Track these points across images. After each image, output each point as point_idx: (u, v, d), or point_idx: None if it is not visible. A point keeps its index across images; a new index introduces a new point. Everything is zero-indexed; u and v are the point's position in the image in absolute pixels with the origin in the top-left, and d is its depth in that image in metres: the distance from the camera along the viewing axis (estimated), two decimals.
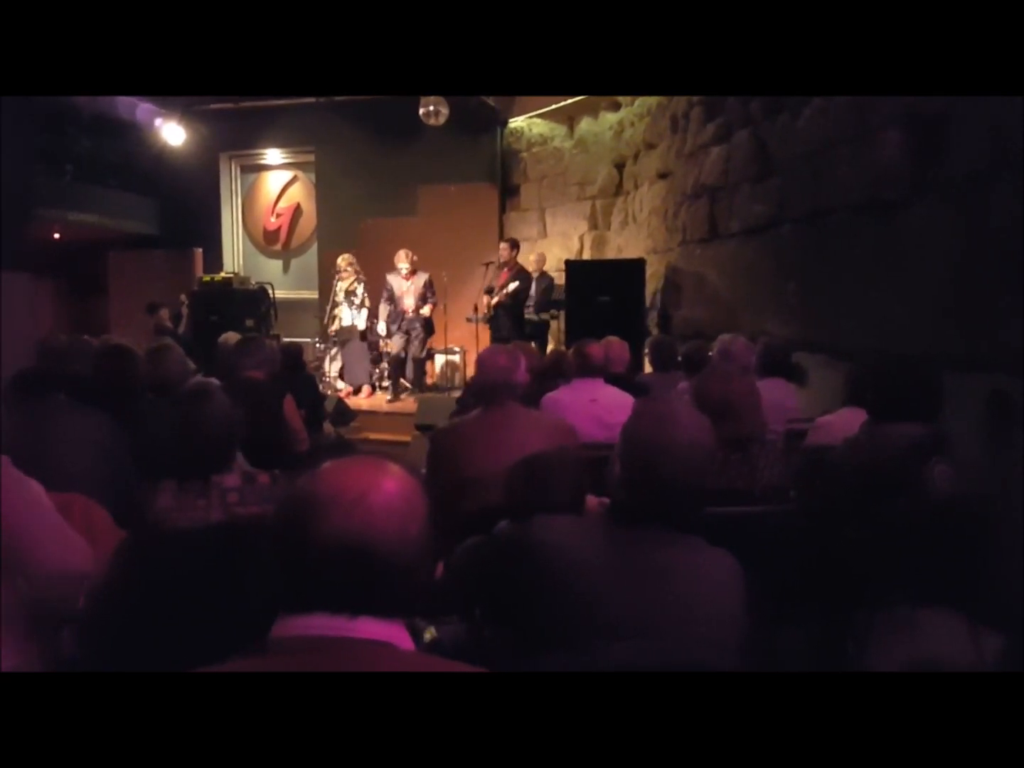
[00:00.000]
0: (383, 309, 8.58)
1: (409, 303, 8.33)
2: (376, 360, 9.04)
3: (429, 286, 8.34)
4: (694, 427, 1.57)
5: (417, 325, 8.31)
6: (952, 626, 1.46)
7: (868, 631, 1.54)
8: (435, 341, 8.98)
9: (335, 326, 8.84)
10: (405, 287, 8.36)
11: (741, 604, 1.58)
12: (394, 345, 8.44)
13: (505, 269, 8.22)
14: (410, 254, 8.34)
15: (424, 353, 8.60)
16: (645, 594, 1.50)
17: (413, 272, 8.33)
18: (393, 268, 8.40)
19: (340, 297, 8.77)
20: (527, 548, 1.58)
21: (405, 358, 8.47)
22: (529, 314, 8.23)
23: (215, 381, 3.80)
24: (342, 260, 8.80)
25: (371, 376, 9.00)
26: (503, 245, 8.40)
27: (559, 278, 8.66)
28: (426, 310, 8.33)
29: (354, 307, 8.70)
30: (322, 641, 0.98)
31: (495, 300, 8.12)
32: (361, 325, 8.73)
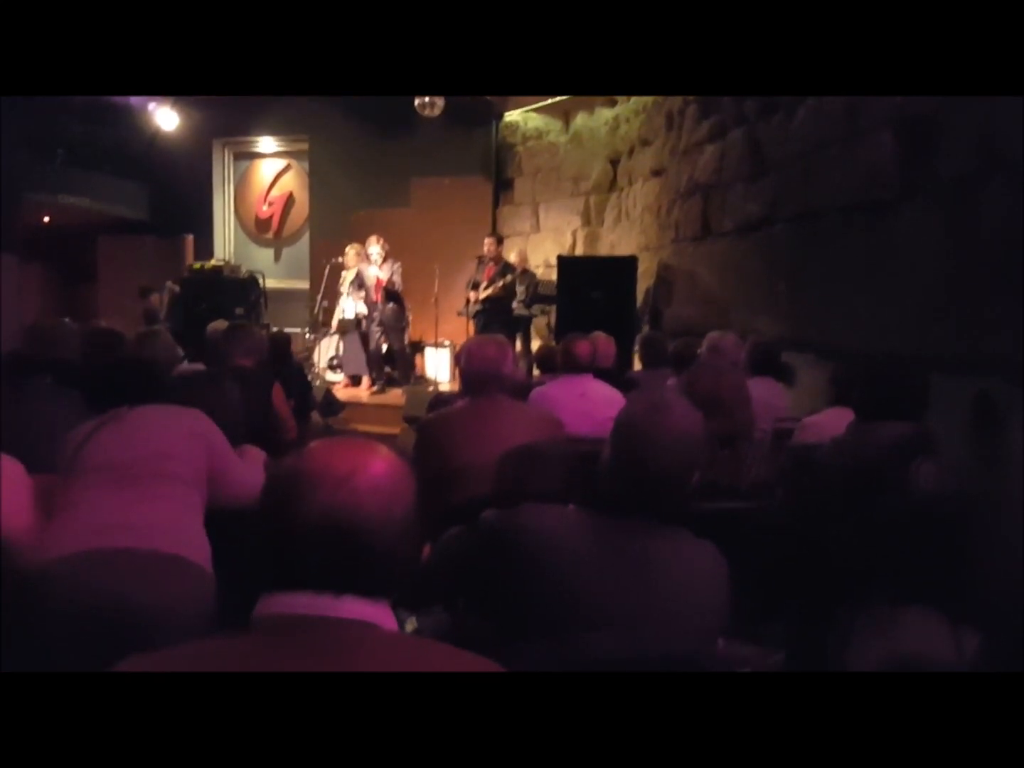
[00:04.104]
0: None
1: (380, 293, 8.11)
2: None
3: (398, 273, 8.08)
4: (686, 419, 1.58)
5: (388, 314, 8.12)
6: (933, 625, 1.47)
7: (849, 628, 1.54)
8: (425, 334, 8.93)
9: (337, 316, 8.64)
10: (375, 275, 8.14)
11: (725, 595, 1.58)
12: (371, 338, 8.26)
13: (491, 264, 8.16)
14: (382, 240, 8.11)
15: (408, 344, 8.51)
16: (629, 584, 1.50)
17: (385, 259, 8.10)
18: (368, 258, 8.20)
19: (345, 288, 8.53)
20: (511, 537, 1.58)
21: (387, 351, 8.37)
22: (519, 310, 8.20)
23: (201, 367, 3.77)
24: (351, 249, 8.51)
25: (371, 368, 8.71)
26: (489, 240, 8.28)
27: (548, 273, 8.63)
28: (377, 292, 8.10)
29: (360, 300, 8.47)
30: (306, 620, 0.98)
31: (486, 293, 8.04)
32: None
